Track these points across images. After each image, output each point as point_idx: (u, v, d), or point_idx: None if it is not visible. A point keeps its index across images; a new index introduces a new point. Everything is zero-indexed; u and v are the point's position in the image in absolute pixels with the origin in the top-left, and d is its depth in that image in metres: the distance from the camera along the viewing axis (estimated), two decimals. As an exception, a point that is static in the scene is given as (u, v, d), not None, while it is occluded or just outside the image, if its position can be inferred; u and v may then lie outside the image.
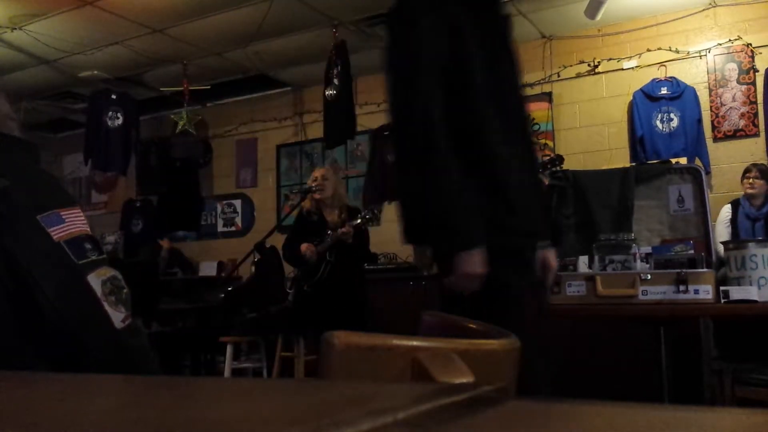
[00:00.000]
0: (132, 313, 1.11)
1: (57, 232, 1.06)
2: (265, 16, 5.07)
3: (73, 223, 1.08)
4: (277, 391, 0.47)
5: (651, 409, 0.35)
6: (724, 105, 5.16)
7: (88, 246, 1.09)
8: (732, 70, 5.14)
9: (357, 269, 4.19)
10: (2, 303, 1.02)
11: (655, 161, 4.71)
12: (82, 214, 1.14)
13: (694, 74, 5.27)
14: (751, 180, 4.47)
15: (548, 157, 4.09)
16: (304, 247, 3.99)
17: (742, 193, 4.59)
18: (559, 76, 5.74)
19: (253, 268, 4.99)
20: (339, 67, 5.43)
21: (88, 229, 1.13)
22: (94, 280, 1.07)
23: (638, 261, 2.61)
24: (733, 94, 5.13)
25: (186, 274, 6.83)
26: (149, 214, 7.45)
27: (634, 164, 4.83)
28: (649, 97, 5.31)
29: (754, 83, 5.07)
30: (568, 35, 5.69)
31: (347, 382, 0.58)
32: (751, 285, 2.40)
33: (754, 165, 4.59)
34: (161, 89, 6.62)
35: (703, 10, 5.21)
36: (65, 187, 1.30)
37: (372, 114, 6.46)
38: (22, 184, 1.09)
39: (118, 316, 1.07)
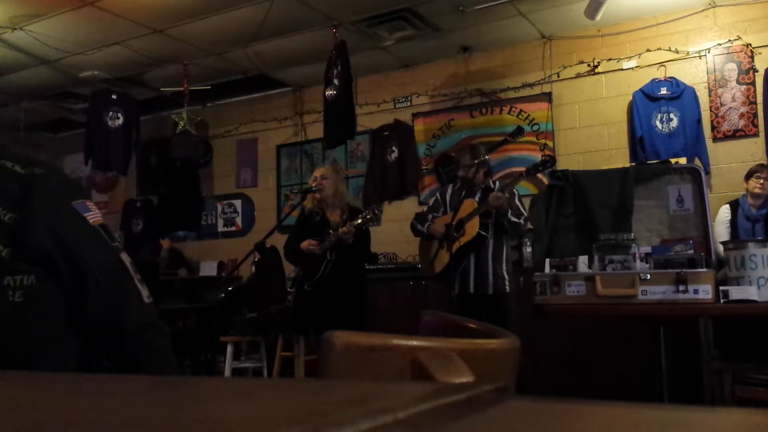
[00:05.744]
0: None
1: (90, 218, 1.17)
2: (265, 16, 5.07)
3: (95, 213, 1.19)
4: (277, 391, 0.47)
5: (651, 409, 0.35)
6: (724, 105, 5.16)
7: (110, 233, 1.21)
8: (731, 70, 5.14)
9: (357, 269, 4.19)
10: (54, 282, 1.10)
11: (654, 161, 4.71)
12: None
13: (693, 74, 5.27)
14: (762, 180, 4.42)
15: (545, 158, 4.17)
16: (305, 244, 3.99)
17: (742, 193, 4.57)
18: (558, 76, 5.74)
19: (253, 268, 4.99)
20: (339, 67, 5.42)
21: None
22: (126, 259, 1.19)
23: (638, 261, 2.61)
24: (733, 95, 5.13)
25: (188, 273, 6.83)
26: (149, 214, 7.46)
27: (633, 164, 4.83)
28: (648, 98, 5.31)
29: (753, 83, 5.06)
30: (568, 35, 5.69)
31: (347, 382, 0.58)
32: (750, 285, 2.40)
33: (762, 165, 4.52)
34: (161, 89, 6.62)
35: (703, 10, 5.21)
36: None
37: (372, 114, 6.46)
38: (54, 175, 1.19)
39: (144, 293, 1.19)
